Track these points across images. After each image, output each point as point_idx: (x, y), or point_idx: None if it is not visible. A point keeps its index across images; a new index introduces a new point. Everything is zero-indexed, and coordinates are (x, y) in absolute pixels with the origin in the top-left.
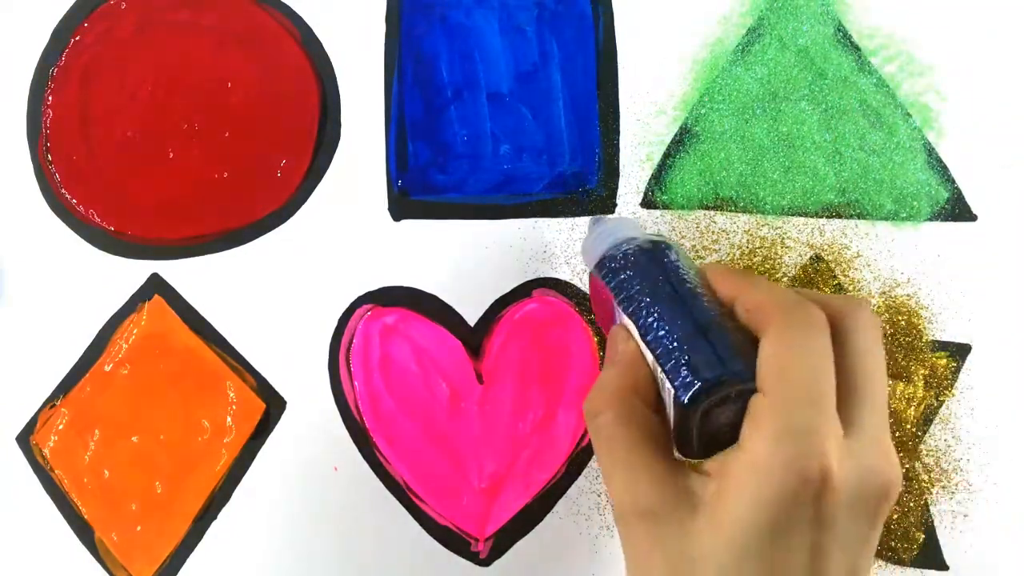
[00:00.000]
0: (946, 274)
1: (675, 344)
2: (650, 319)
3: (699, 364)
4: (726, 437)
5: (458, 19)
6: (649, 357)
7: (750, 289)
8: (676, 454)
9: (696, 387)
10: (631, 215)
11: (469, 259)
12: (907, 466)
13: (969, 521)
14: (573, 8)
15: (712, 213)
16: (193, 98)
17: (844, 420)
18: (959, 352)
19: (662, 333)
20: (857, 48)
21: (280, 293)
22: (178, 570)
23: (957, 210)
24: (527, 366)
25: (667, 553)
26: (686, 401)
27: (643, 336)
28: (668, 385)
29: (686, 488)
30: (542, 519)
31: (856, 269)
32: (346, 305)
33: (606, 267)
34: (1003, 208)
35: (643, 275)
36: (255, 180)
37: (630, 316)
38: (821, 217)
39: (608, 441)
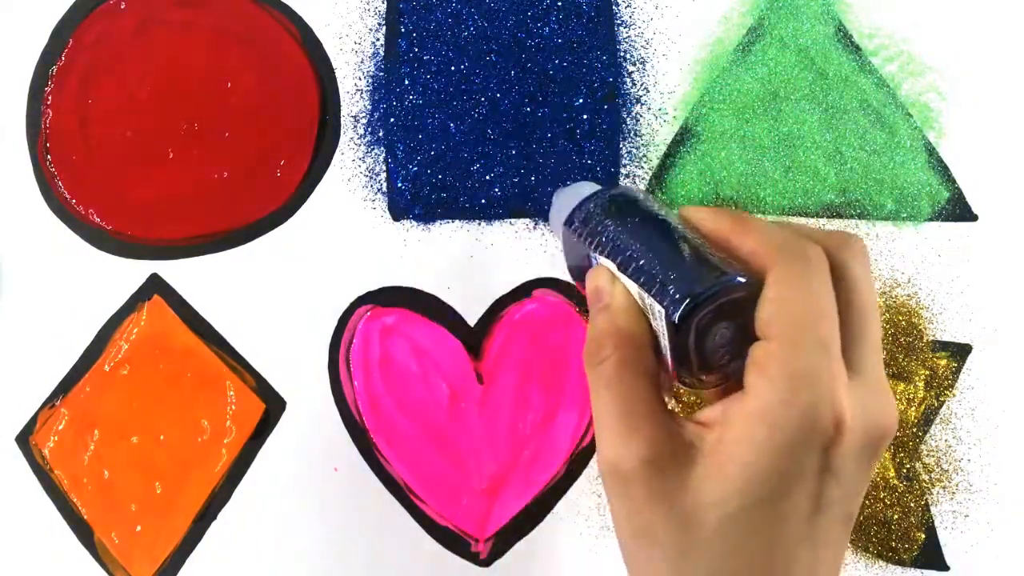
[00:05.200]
0: (946, 274)
1: (658, 267)
2: (628, 252)
3: (685, 279)
4: (724, 360)
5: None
6: (634, 289)
7: (741, 232)
8: (674, 383)
9: (686, 301)
10: None
11: (469, 259)
12: (907, 466)
13: (969, 521)
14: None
15: None
16: (193, 98)
17: (846, 361)
18: (959, 352)
19: (643, 262)
20: (858, 48)
21: (280, 293)
22: (178, 570)
23: (958, 210)
24: (527, 366)
25: (667, 505)
26: (676, 319)
27: (624, 269)
28: (657, 308)
29: (685, 438)
30: (542, 519)
31: None
32: (346, 305)
33: (577, 219)
34: (1003, 208)
35: (616, 217)
36: (255, 180)
37: (608, 256)
38: (822, 217)
39: (609, 387)
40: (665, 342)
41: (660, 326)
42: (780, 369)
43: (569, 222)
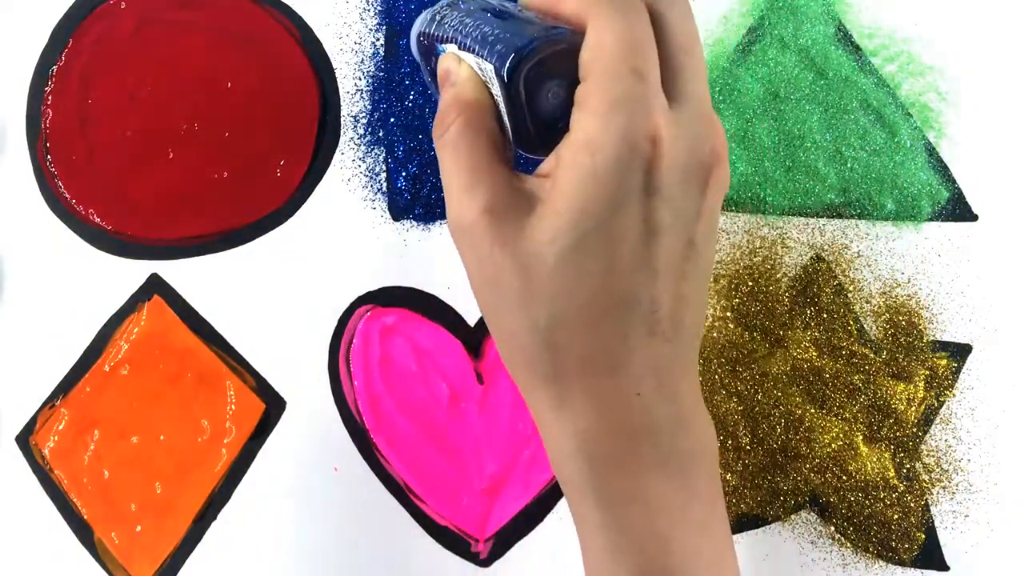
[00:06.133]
0: (946, 274)
1: (490, 35)
2: (466, 31)
3: (512, 38)
4: (561, 124)
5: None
6: (473, 63)
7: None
8: (518, 152)
9: (512, 54)
10: None
11: None
12: (908, 466)
13: (969, 521)
14: None
15: None
16: (193, 98)
17: (668, 93)
18: (959, 352)
19: (477, 33)
20: (857, 48)
21: (280, 293)
22: (178, 570)
23: (958, 210)
24: None
25: (510, 250)
26: (506, 73)
27: (463, 47)
28: (489, 68)
29: (526, 190)
30: (542, 519)
31: (856, 269)
32: (346, 305)
33: (424, 29)
34: (1003, 208)
35: (456, 10)
36: (255, 180)
37: (450, 41)
38: (822, 217)
39: (454, 149)
40: (503, 106)
41: (498, 91)
42: (598, 100)
43: (420, 36)
